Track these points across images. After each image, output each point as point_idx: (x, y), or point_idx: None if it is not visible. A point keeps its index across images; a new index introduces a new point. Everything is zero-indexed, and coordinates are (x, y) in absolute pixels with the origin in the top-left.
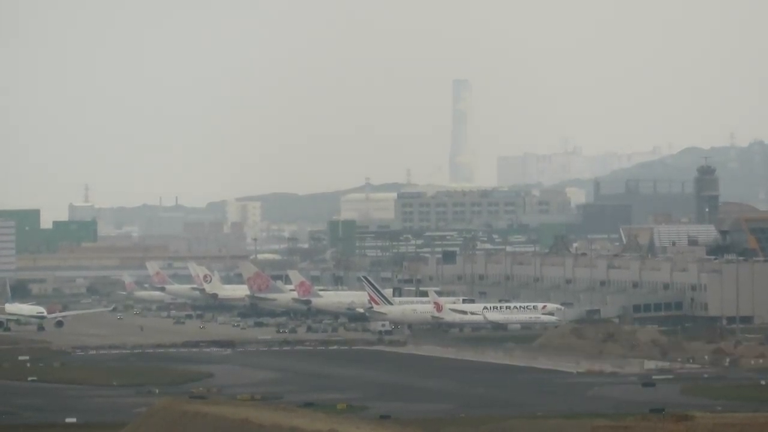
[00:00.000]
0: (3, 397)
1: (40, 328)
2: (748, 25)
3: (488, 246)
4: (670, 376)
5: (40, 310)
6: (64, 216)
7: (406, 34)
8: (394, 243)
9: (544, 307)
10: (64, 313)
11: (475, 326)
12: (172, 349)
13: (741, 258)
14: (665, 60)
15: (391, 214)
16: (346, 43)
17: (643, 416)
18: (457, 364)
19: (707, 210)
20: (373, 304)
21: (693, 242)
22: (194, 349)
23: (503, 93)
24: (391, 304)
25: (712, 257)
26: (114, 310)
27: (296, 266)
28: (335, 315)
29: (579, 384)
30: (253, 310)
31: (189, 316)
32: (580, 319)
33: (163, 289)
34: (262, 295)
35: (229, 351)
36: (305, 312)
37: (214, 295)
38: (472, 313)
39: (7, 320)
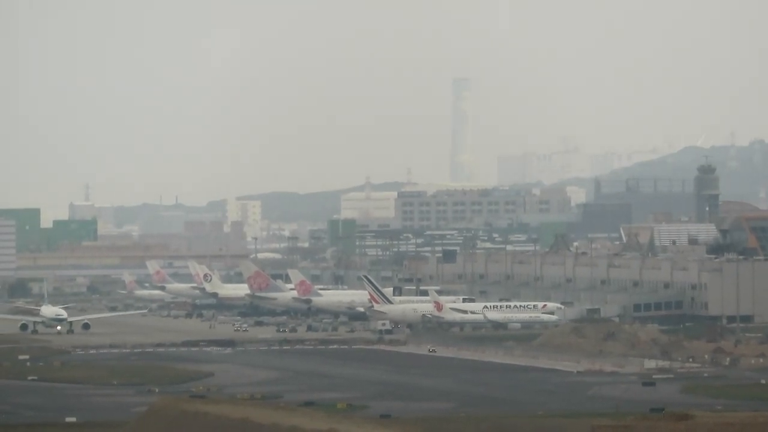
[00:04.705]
0: (3, 396)
1: (69, 331)
2: (748, 24)
3: (488, 245)
4: (671, 376)
5: (60, 312)
6: (64, 215)
7: (406, 33)
8: (394, 242)
9: (545, 306)
10: (90, 316)
11: (476, 325)
12: (172, 349)
13: (741, 257)
14: (666, 59)
15: (392, 213)
16: (346, 42)
17: (643, 415)
18: (457, 363)
19: (707, 209)
20: (374, 303)
21: (693, 241)
22: (194, 349)
23: (504, 92)
24: (391, 303)
25: (713, 256)
26: (149, 311)
27: (296, 265)
28: (335, 314)
29: (579, 383)
30: (253, 309)
31: (189, 315)
32: (581, 318)
33: (163, 288)
34: (262, 294)
35: (229, 350)
36: (305, 311)
37: (214, 294)
38: (473, 312)
39: (34, 323)
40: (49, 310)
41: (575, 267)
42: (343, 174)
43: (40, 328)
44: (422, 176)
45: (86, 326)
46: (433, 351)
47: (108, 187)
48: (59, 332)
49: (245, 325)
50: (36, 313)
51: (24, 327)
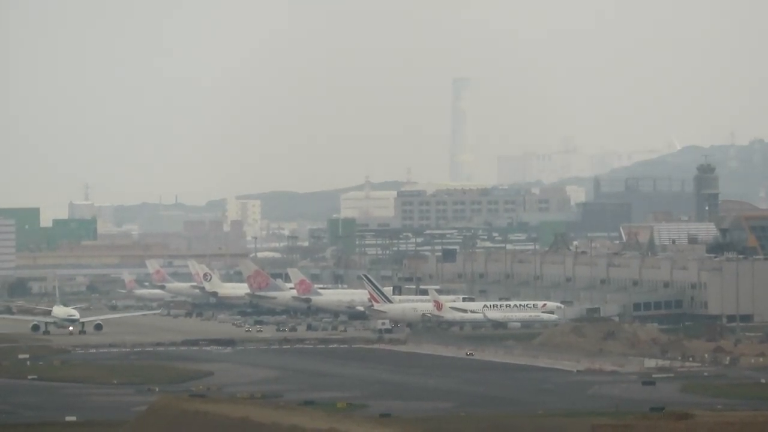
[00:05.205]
0: (3, 396)
1: (82, 331)
2: (748, 24)
3: (488, 244)
4: (670, 375)
5: (72, 312)
6: (64, 214)
7: (406, 32)
8: (394, 241)
9: (544, 305)
10: (103, 317)
11: (475, 324)
12: (171, 348)
13: (741, 256)
14: (665, 59)
15: (391, 212)
16: (346, 41)
17: (643, 415)
18: (457, 362)
19: (707, 208)
20: (373, 303)
21: (693, 240)
22: (194, 348)
23: (503, 92)
24: (391, 302)
25: (712, 255)
26: (167, 309)
27: (296, 264)
28: (335, 313)
29: (579, 382)
30: (253, 308)
31: (189, 314)
32: (580, 317)
33: (163, 288)
34: (262, 294)
35: (228, 349)
36: (305, 310)
37: (214, 294)
38: (472, 312)
39: (46, 323)
40: (61, 311)
41: (575, 266)
42: (342, 173)
43: (51, 328)
44: (422, 175)
45: (98, 327)
46: (471, 354)
47: (108, 187)
48: (71, 333)
49: (259, 327)
50: (42, 313)
51: (36, 327)
